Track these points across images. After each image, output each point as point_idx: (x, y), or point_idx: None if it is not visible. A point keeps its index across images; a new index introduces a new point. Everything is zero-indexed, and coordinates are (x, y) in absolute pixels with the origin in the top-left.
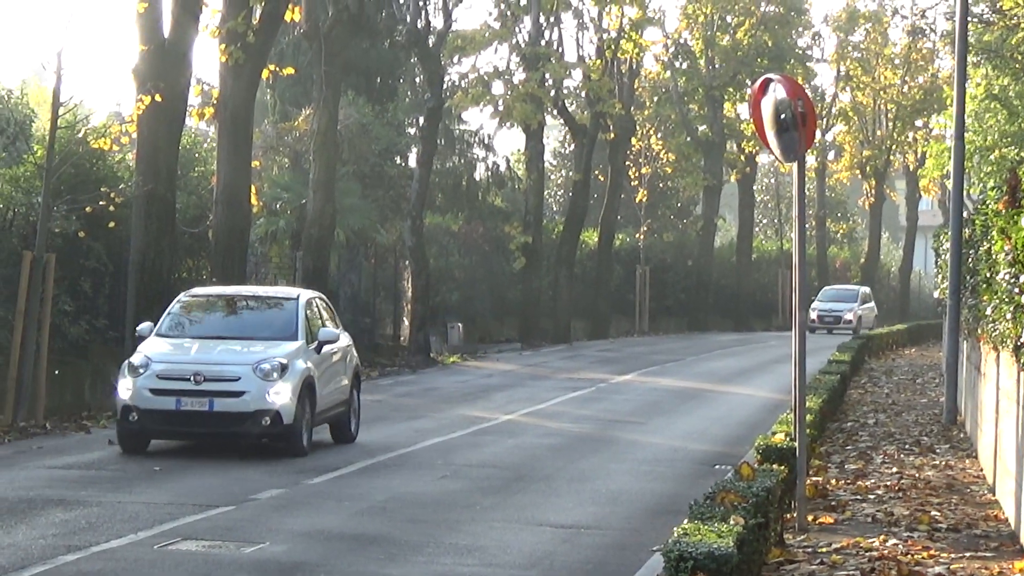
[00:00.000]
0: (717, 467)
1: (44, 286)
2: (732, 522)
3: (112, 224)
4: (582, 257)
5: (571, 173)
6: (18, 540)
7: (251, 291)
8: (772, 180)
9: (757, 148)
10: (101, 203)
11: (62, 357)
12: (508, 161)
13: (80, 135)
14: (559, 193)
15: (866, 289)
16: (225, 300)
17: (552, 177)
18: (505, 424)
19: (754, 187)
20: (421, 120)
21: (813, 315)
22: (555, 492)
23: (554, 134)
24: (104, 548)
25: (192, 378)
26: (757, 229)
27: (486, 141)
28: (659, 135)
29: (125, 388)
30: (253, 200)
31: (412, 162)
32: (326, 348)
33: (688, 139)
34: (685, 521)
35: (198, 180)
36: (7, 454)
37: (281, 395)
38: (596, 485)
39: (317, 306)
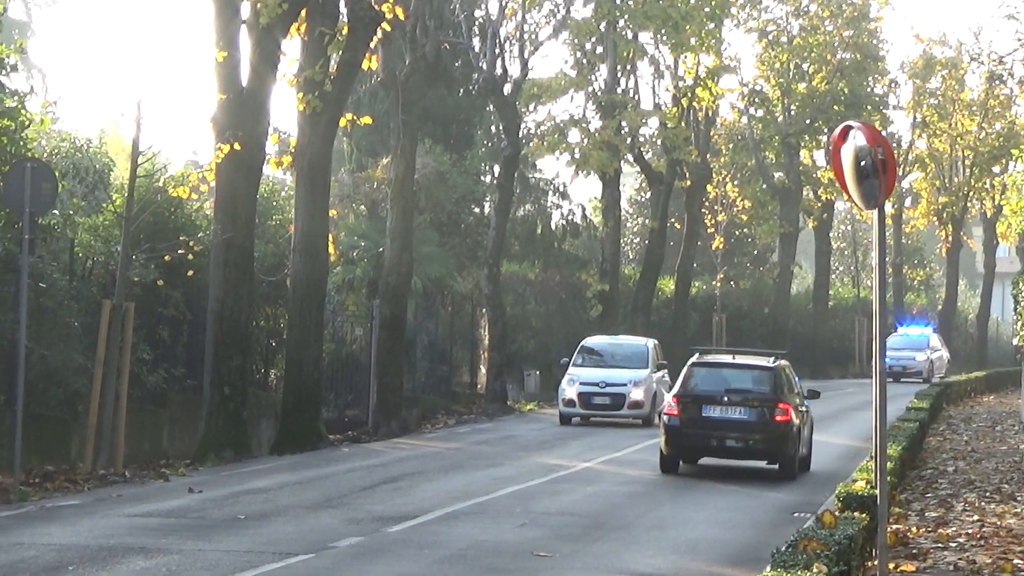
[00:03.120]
0: (797, 515)
1: (123, 335)
2: (815, 570)
3: (190, 272)
4: (659, 305)
5: (647, 220)
6: None
7: None
8: (848, 227)
9: (834, 195)
10: (179, 251)
11: (140, 405)
12: (584, 209)
13: (159, 184)
14: (635, 240)
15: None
16: None
17: (628, 224)
18: (583, 472)
19: (830, 234)
20: (497, 168)
21: None
22: (634, 540)
23: (630, 181)
24: None
25: None
26: (833, 276)
27: (562, 189)
28: (735, 182)
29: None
30: (330, 248)
31: (488, 210)
32: None
33: (764, 186)
34: (767, 569)
35: (276, 229)
36: (87, 502)
37: None
38: (675, 533)
39: None
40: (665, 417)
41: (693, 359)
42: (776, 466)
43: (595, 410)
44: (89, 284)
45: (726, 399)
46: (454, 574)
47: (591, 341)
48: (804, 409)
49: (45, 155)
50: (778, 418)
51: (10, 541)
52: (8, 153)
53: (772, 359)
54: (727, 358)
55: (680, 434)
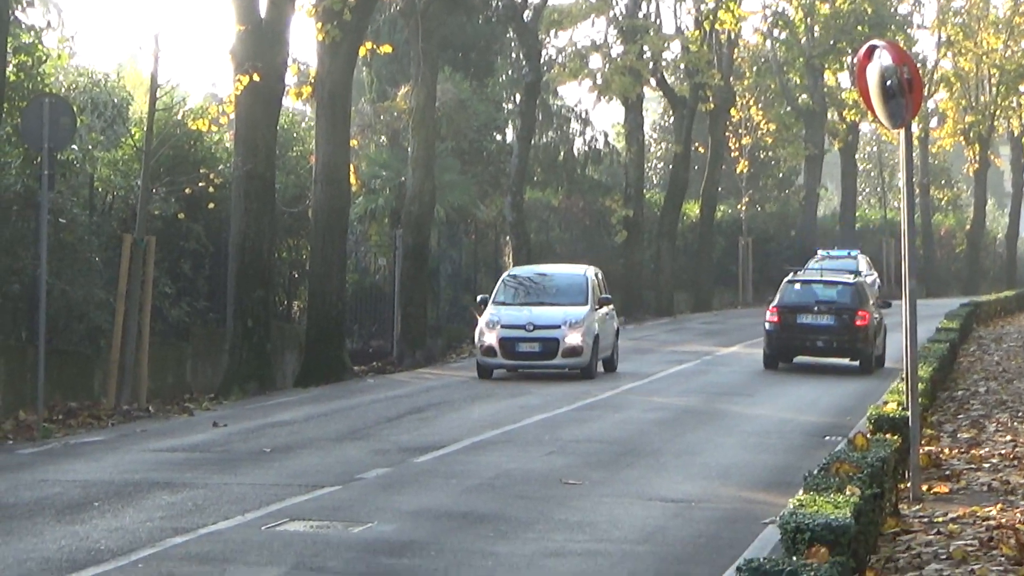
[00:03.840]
0: (828, 438)
1: (144, 269)
2: (848, 493)
3: (211, 205)
4: (684, 229)
5: (671, 145)
6: (126, 523)
7: None
8: (874, 148)
9: (859, 116)
10: (200, 184)
11: (163, 339)
12: (607, 135)
13: (178, 117)
14: (659, 166)
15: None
16: None
17: (652, 150)
18: (610, 399)
19: (856, 156)
20: (519, 95)
21: None
22: (664, 466)
23: (653, 106)
24: (212, 530)
25: None
26: (860, 198)
27: (584, 115)
28: (759, 105)
29: None
30: (352, 179)
31: (511, 137)
32: None
33: (788, 109)
34: (800, 492)
35: (296, 160)
36: (111, 438)
37: None
38: (705, 459)
39: None
40: (767, 324)
41: (788, 277)
42: (856, 363)
43: (522, 359)
44: (109, 219)
45: (816, 308)
46: (482, 503)
47: (517, 271)
48: (878, 317)
49: (63, 90)
50: (858, 323)
51: (35, 478)
52: (26, 89)
53: (852, 277)
54: (816, 276)
55: (779, 337)
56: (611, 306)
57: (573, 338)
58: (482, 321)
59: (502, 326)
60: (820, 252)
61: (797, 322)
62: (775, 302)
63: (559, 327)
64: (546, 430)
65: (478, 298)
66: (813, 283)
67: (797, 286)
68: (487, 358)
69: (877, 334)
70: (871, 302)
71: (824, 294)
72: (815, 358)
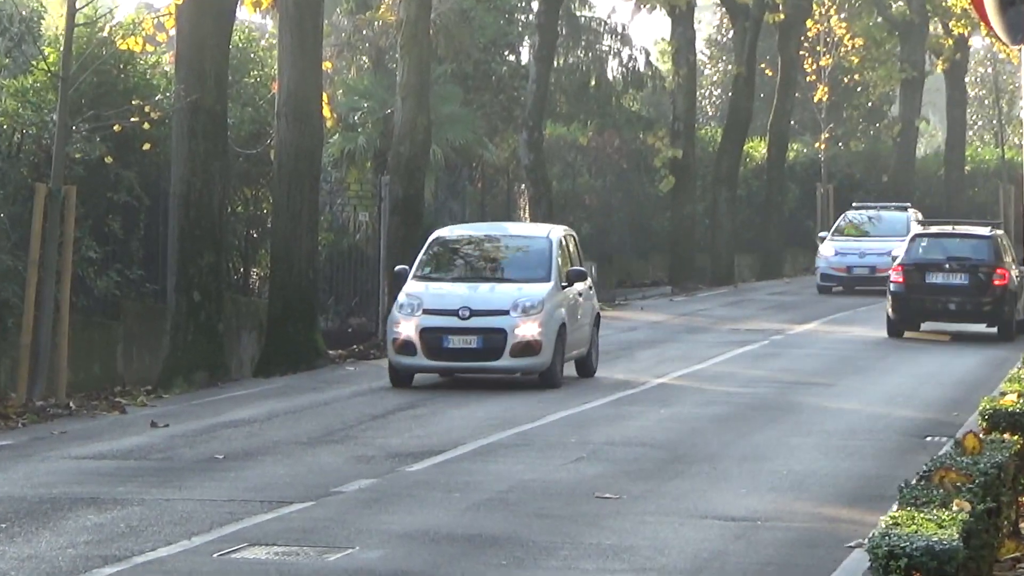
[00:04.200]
0: (930, 439)
1: (63, 227)
2: (955, 508)
3: (147, 146)
4: (747, 174)
5: (730, 67)
6: (41, 550)
7: None
8: (988, 70)
9: (969, 29)
10: (132, 119)
11: (87, 317)
12: (649, 54)
13: (103, 34)
14: (715, 93)
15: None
16: None
17: (706, 73)
18: (655, 390)
19: (966, 79)
20: (536, 4)
21: None
22: (723, 476)
23: (707, 18)
24: (150, 558)
25: None
26: (971, 133)
27: (620, 30)
28: (842, 15)
29: None
30: (326, 112)
31: (526, 58)
32: None
33: (879, 20)
34: (894, 508)
35: (255, 88)
36: (22, 441)
37: None
38: (775, 465)
39: None
40: (891, 284)
41: (916, 230)
42: (994, 329)
43: (452, 360)
44: (18, 164)
45: (947, 266)
46: (493, 523)
47: (450, 231)
48: (1018, 275)
49: None
50: (996, 282)
51: None
52: None
53: (989, 228)
54: (948, 228)
55: (905, 299)
56: (587, 282)
57: (527, 329)
58: (396, 306)
59: (424, 311)
60: (854, 210)
61: (926, 282)
62: (900, 259)
63: (507, 313)
64: (573, 430)
65: (395, 269)
66: (943, 237)
67: (925, 241)
68: (402, 357)
69: (1018, 296)
70: (1011, 258)
71: (957, 249)
72: (946, 324)
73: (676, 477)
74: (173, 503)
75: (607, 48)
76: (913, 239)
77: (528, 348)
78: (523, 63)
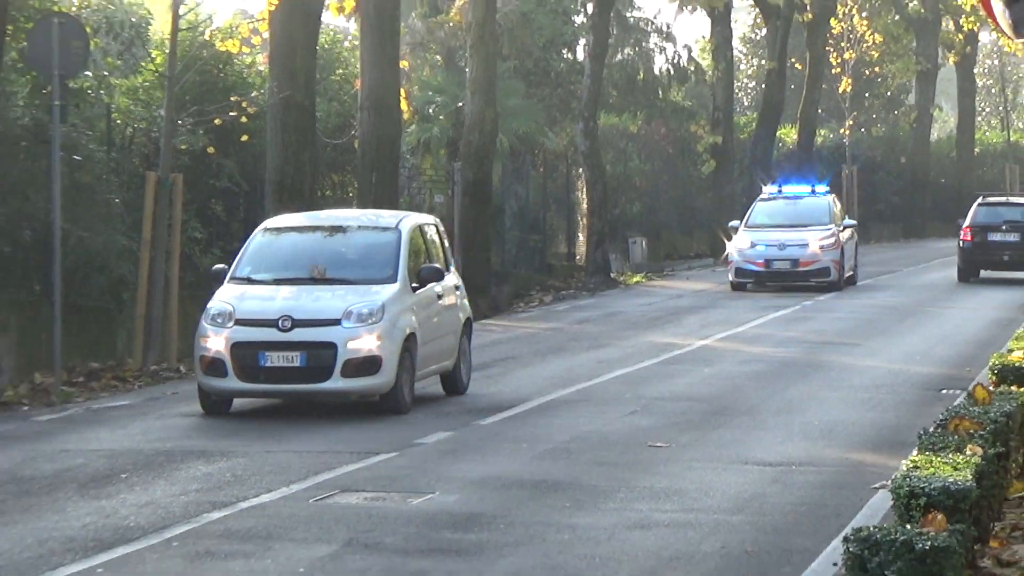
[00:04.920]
0: (945, 392)
1: (171, 211)
2: (968, 452)
3: (244, 138)
4: (780, 157)
5: (764, 62)
6: (157, 497)
7: None
8: (995, 62)
9: (978, 25)
10: (231, 114)
11: (194, 291)
12: (691, 51)
13: (205, 38)
14: (750, 85)
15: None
16: None
17: (742, 67)
18: (700, 351)
19: (975, 70)
20: (590, 7)
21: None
22: (761, 426)
23: (743, 17)
24: (254, 503)
25: None
26: (980, 119)
27: (665, 29)
28: (864, 14)
29: None
30: (403, 105)
31: (582, 56)
32: None
33: (897, 18)
34: (914, 453)
35: (340, 85)
36: (139, 402)
37: None
38: (807, 416)
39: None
40: (961, 242)
41: (978, 201)
42: None
43: (270, 382)
44: (130, 155)
45: (1004, 227)
46: (557, 470)
47: (281, 221)
48: None
49: (74, 9)
50: None
51: (54, 448)
52: (32, 8)
53: None
54: (1003, 199)
55: (972, 253)
56: (453, 282)
57: (363, 342)
58: (204, 314)
59: (237, 322)
60: (768, 188)
61: (988, 239)
62: (967, 223)
63: (338, 323)
64: (627, 387)
65: (213, 268)
66: (999, 205)
67: (985, 208)
68: (211, 379)
69: None
70: None
71: (1010, 215)
72: (1001, 272)
73: (719, 427)
74: (273, 454)
75: (653, 46)
76: (976, 208)
77: (365, 366)
78: (578, 60)
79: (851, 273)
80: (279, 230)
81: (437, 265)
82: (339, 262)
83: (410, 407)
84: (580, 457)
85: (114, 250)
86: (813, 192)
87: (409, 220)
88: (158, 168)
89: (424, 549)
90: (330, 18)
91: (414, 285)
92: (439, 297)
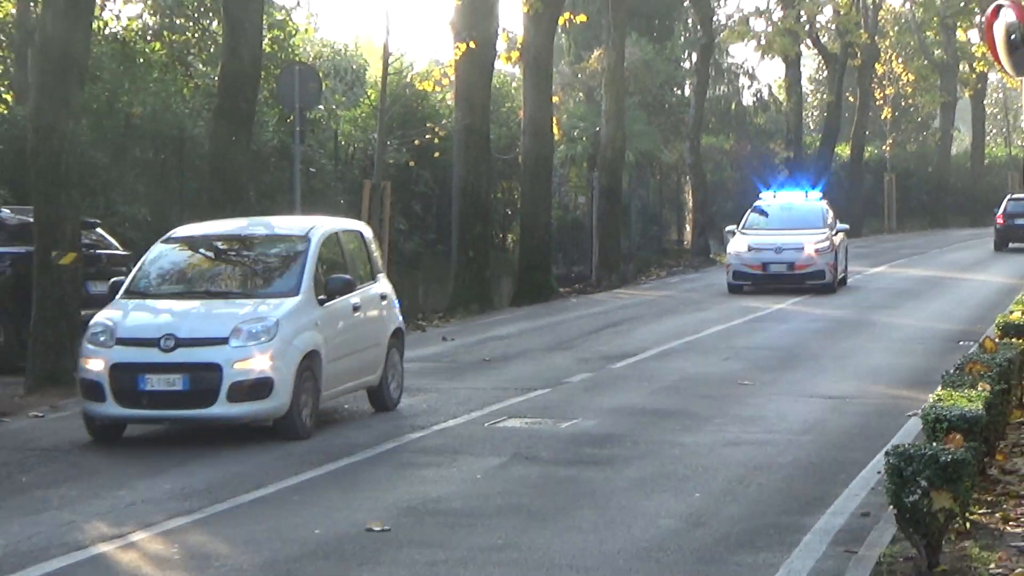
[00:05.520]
0: (962, 343)
1: (382, 209)
2: (980, 389)
3: (436, 154)
4: (836, 168)
5: (825, 95)
6: (372, 422)
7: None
8: (1000, 95)
9: (987, 67)
10: (427, 137)
11: (399, 268)
12: (770, 88)
13: (407, 80)
14: (815, 113)
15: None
16: None
17: (809, 100)
18: (776, 312)
19: (984, 102)
20: (695, 55)
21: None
22: (822, 368)
23: (809, 63)
24: (443, 427)
25: None
26: (988, 138)
27: (751, 71)
28: (900, 59)
29: None
30: (555, 129)
31: (688, 91)
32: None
33: (925, 62)
34: (938, 389)
35: (507, 114)
36: None
37: None
38: (857, 361)
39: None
40: (996, 224)
41: (1008, 197)
42: None
43: (151, 407)
44: (351, 167)
45: None
46: (670, 401)
47: (181, 233)
48: None
49: (310, 59)
50: None
51: None
52: (279, 58)
53: None
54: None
55: (1003, 232)
56: (379, 291)
57: (253, 362)
58: (86, 334)
59: (119, 341)
60: (764, 194)
61: (1014, 223)
62: (1000, 212)
63: (224, 342)
64: (722, 339)
65: (111, 281)
66: (1022, 200)
67: (1012, 202)
68: (92, 404)
69: None
70: None
71: None
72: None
73: (791, 370)
74: (458, 390)
75: (742, 84)
76: (1007, 202)
77: (254, 389)
78: (686, 95)
79: (843, 275)
80: (180, 240)
81: (347, 276)
82: (240, 274)
83: (311, 431)
84: (687, 392)
85: None
86: (807, 198)
87: (323, 228)
88: (372, 177)
89: (570, 461)
90: (500, 65)
91: (321, 298)
92: (356, 309)
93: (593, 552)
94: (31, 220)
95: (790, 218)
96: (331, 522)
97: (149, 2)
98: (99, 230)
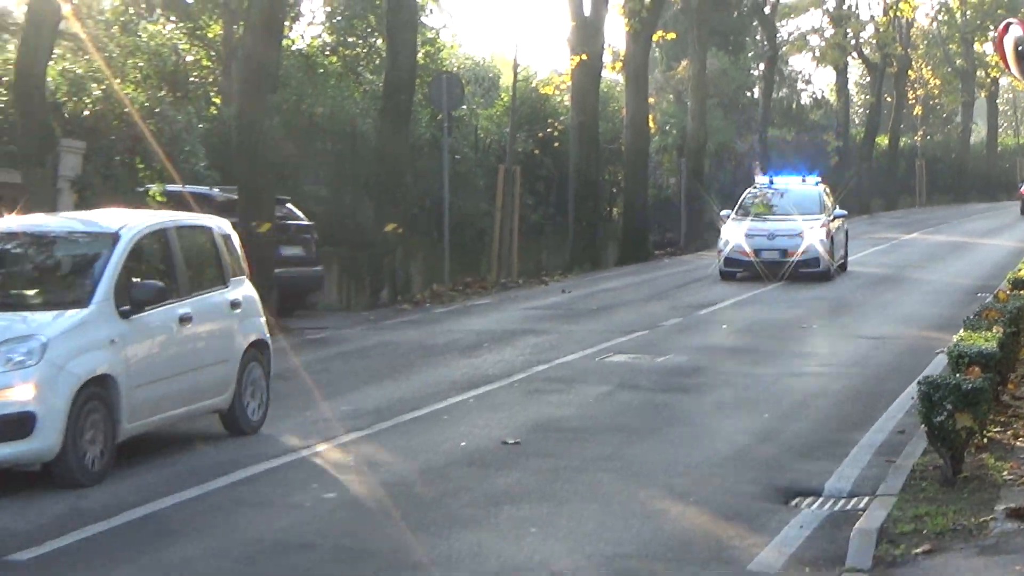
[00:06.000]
0: (979, 295)
1: (513, 189)
2: (994, 331)
3: (556, 145)
4: (877, 155)
5: (868, 96)
6: (505, 357)
7: None
8: (1011, 95)
9: (999, 73)
10: (548, 130)
11: (527, 236)
12: (823, 91)
13: (533, 85)
14: (860, 111)
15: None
16: None
17: (854, 100)
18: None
19: (997, 101)
20: (762, 65)
21: None
22: (865, 315)
23: (855, 70)
24: (562, 360)
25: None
26: (1000, 131)
27: (808, 78)
28: (928, 67)
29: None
30: (650, 125)
31: (757, 94)
32: None
33: (949, 70)
34: (961, 331)
35: (612, 113)
36: (495, 302)
37: None
38: (894, 310)
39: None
40: (1020, 197)
41: None
42: None
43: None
44: (488, 155)
45: None
46: (744, 341)
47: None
48: None
49: (455, 69)
50: None
51: (444, 328)
52: (430, 69)
53: None
54: None
55: None
56: (229, 295)
57: (12, 394)
58: None
59: None
60: (760, 178)
61: None
62: (1022, 188)
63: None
64: (783, 293)
65: None
66: None
67: None
68: None
69: None
70: None
71: None
72: None
73: (841, 316)
74: (574, 332)
75: (800, 87)
76: None
77: (10, 427)
78: (755, 96)
79: (842, 261)
80: None
81: (156, 282)
82: (22, 282)
83: (100, 476)
84: (761, 332)
85: (479, 212)
86: (804, 182)
87: (143, 224)
88: (505, 163)
89: (664, 388)
90: (607, 73)
91: (124, 309)
92: (184, 321)
93: (682, 461)
94: (235, 197)
95: (786, 203)
96: (474, 437)
97: (327, 24)
98: (289, 205)
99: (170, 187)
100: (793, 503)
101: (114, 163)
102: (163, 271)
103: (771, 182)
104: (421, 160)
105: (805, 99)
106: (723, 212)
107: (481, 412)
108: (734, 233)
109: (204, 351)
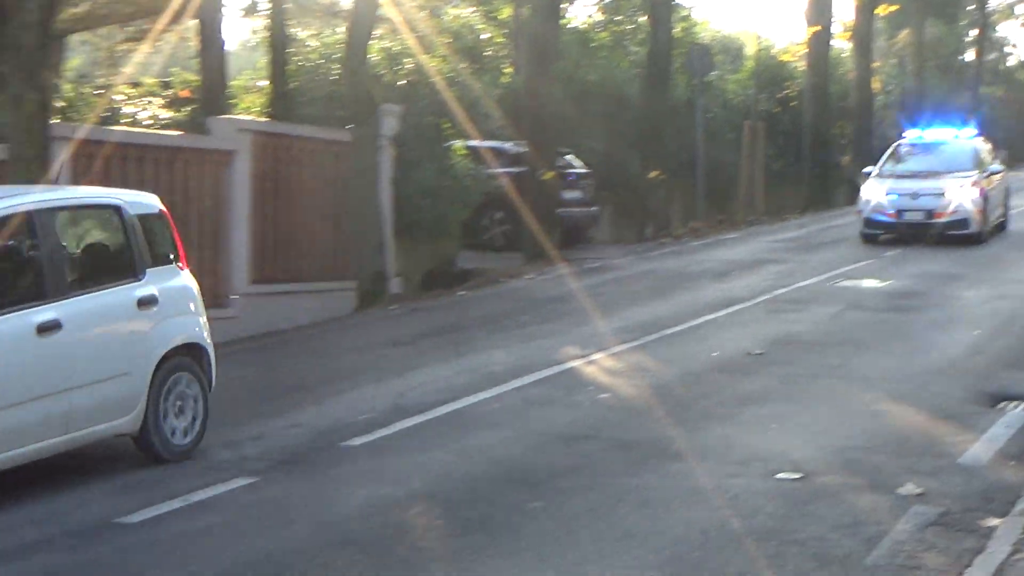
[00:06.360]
0: None
1: (757, 141)
2: None
3: (793, 104)
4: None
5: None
6: (752, 282)
7: None
8: None
9: None
10: (786, 92)
11: (769, 181)
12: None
13: (772, 53)
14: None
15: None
16: None
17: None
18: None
19: None
20: (974, 31)
21: None
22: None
23: None
24: (800, 285)
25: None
26: None
27: (1014, 43)
28: None
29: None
30: (876, 86)
31: (971, 56)
32: None
33: None
34: None
35: (842, 76)
36: (742, 236)
37: None
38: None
39: None
40: None
41: None
42: None
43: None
44: (736, 114)
45: None
46: (956, 268)
47: None
48: None
49: (706, 41)
50: None
51: (698, 258)
52: (685, 41)
53: None
54: None
55: None
56: (136, 291)
57: None
58: None
59: None
60: (909, 132)
61: None
62: None
63: None
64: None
65: None
66: None
67: None
68: None
69: None
70: None
71: None
72: None
73: (956, 281)
74: (808, 261)
75: (1008, 51)
76: None
77: None
78: (968, 60)
79: (1001, 220)
80: None
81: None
82: None
83: None
84: (968, 262)
85: (729, 162)
86: (957, 136)
87: (29, 199)
88: (751, 120)
89: (887, 308)
90: (837, 41)
91: None
92: (47, 329)
93: (903, 369)
94: (525, 150)
95: (935, 160)
96: (724, 348)
97: (599, 4)
98: (568, 157)
99: (471, 143)
100: (1000, 406)
101: (424, 123)
102: (14, 268)
103: (921, 135)
104: (679, 118)
105: (1012, 60)
106: (865, 169)
107: (730, 328)
108: (875, 192)
109: (84, 365)
